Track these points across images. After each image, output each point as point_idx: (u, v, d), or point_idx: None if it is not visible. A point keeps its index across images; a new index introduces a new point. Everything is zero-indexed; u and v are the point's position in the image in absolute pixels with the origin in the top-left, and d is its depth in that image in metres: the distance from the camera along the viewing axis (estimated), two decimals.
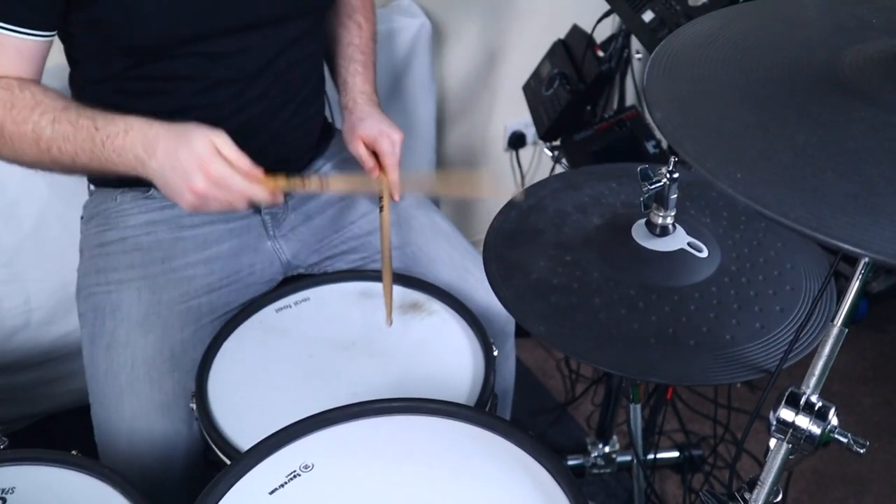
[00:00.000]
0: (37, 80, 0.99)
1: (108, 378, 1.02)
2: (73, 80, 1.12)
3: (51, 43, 0.99)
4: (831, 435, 0.68)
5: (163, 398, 1.01)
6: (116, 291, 1.08)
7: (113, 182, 1.17)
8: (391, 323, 1.07)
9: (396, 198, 1.12)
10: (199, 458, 1.05)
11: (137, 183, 1.14)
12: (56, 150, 0.93)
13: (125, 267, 1.10)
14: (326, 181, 1.06)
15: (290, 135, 1.17)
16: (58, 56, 1.05)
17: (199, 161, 0.88)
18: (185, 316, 1.08)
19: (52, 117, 0.93)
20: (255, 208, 1.18)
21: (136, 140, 0.91)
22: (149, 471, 0.99)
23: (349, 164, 1.27)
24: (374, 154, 1.13)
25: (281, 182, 0.95)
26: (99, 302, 1.08)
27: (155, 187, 1.14)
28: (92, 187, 1.22)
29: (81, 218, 1.21)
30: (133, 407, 1.00)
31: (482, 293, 1.17)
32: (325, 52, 1.26)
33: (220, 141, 0.90)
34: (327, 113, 1.32)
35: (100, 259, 1.12)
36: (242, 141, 1.09)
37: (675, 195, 0.85)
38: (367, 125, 1.13)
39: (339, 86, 1.22)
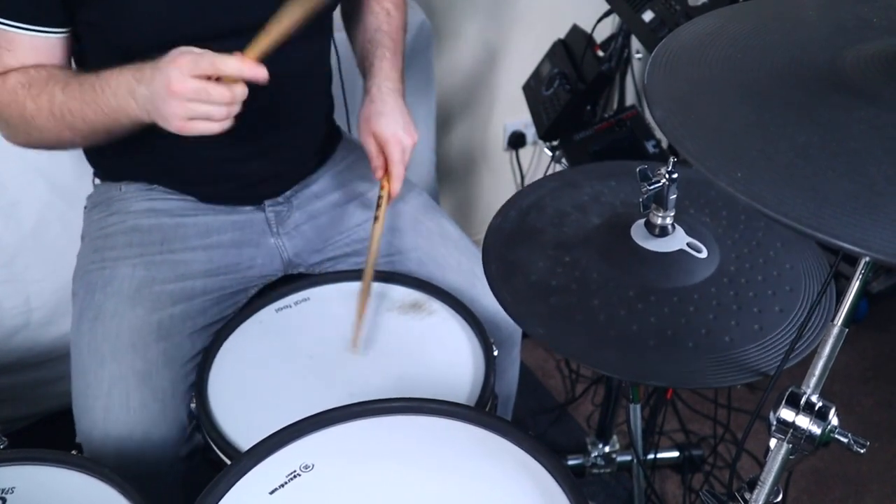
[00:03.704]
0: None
1: (91, 347, 1.02)
2: None
3: (66, 39, 0.99)
4: (831, 435, 0.68)
5: (145, 366, 1.00)
6: (111, 268, 1.08)
7: (118, 175, 1.17)
8: (357, 349, 1.05)
9: (391, 198, 1.12)
10: (194, 450, 1.05)
11: (142, 177, 1.15)
12: (68, 112, 0.94)
13: (122, 245, 1.10)
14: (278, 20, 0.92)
15: (294, 141, 1.16)
16: None
17: (173, 60, 0.87)
18: (177, 294, 1.08)
19: (63, 83, 0.95)
20: (257, 205, 1.18)
21: (128, 74, 0.91)
22: (126, 449, 0.98)
23: (355, 169, 1.27)
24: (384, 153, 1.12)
25: (250, 51, 0.91)
26: (92, 278, 1.08)
27: (159, 182, 1.15)
28: (97, 181, 1.22)
29: (85, 208, 1.21)
30: (112, 374, 1.00)
31: (490, 299, 1.15)
32: (352, 39, 1.25)
33: (199, 49, 0.89)
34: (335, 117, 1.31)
35: (99, 240, 1.12)
36: (244, 146, 1.09)
37: (675, 196, 0.85)
38: (383, 123, 1.11)
39: (366, 69, 1.20)
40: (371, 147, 1.12)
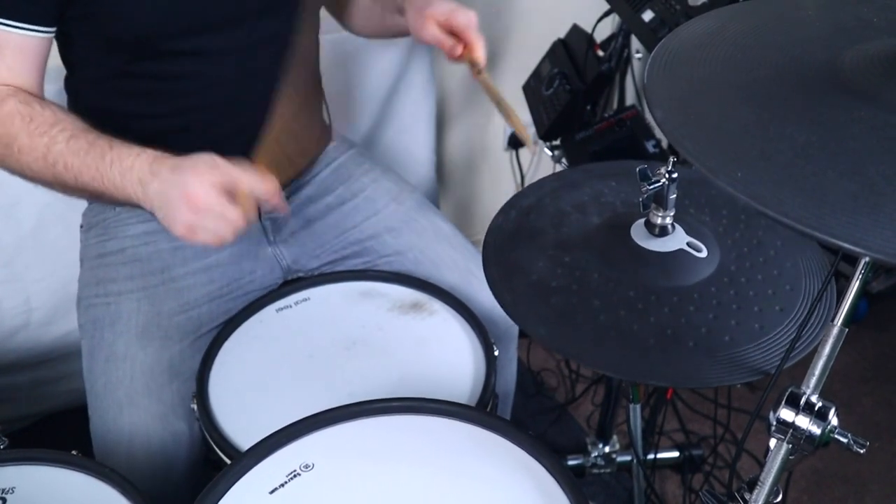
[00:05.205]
0: (41, 92, 0.99)
1: (106, 391, 1.02)
2: (70, 84, 1.11)
3: (50, 42, 0.98)
4: (831, 435, 0.68)
5: (161, 409, 1.01)
6: (115, 303, 1.07)
7: None
8: (534, 148, 1.03)
9: (482, 65, 1.09)
10: (200, 459, 1.05)
11: None
12: (62, 165, 0.92)
13: (124, 278, 1.09)
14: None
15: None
16: (56, 57, 1.05)
17: (194, 167, 0.87)
18: (184, 326, 1.08)
19: (69, 134, 0.93)
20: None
21: (145, 162, 0.90)
22: (148, 479, 0.99)
23: (348, 169, 1.27)
24: (453, 35, 1.10)
25: (261, 158, 0.93)
26: (98, 314, 1.07)
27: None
28: None
29: (81, 227, 1.20)
30: (132, 419, 1.00)
31: (486, 295, 1.16)
32: None
33: (222, 160, 0.89)
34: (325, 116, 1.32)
35: (99, 270, 1.12)
36: (238, 143, 1.09)
37: (675, 195, 0.85)
38: (436, 4, 1.10)
39: None
40: (434, 31, 1.10)
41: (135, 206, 1.12)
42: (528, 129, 1.98)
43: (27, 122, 0.93)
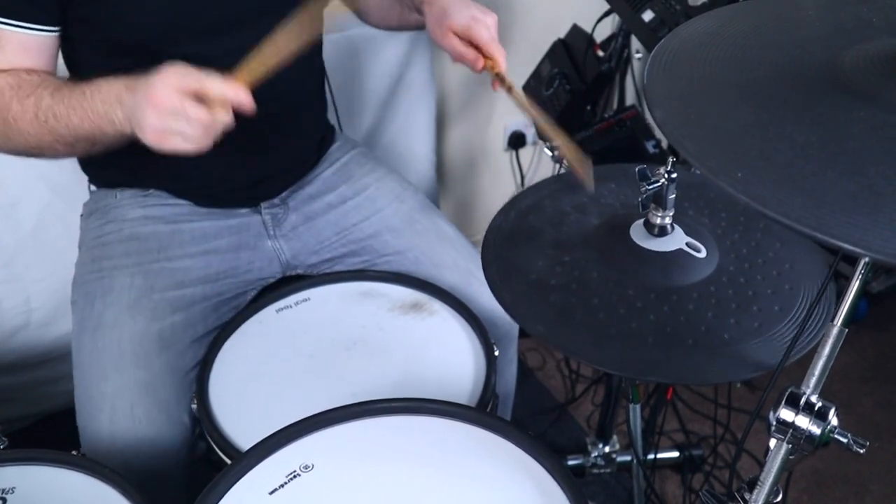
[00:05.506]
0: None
1: (92, 359, 1.02)
2: None
3: (56, 39, 0.98)
4: (831, 435, 0.68)
5: (148, 377, 1.00)
6: (109, 277, 1.07)
7: (113, 182, 1.17)
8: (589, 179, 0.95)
9: (510, 81, 1.05)
10: (198, 456, 1.05)
11: (137, 183, 1.15)
12: (52, 117, 0.92)
13: (120, 254, 1.10)
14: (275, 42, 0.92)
15: (290, 140, 1.16)
16: (59, 57, 1.05)
17: (160, 73, 0.86)
18: (176, 302, 1.08)
19: (54, 88, 0.93)
20: (254, 207, 1.18)
21: (121, 82, 0.90)
22: (132, 456, 0.98)
23: (350, 168, 1.27)
24: (472, 45, 1.05)
25: (240, 76, 0.89)
26: (91, 288, 1.08)
27: (155, 187, 1.15)
28: (93, 187, 1.22)
29: (81, 216, 1.21)
30: (116, 385, 0.99)
31: (487, 297, 1.16)
32: None
33: (194, 69, 0.87)
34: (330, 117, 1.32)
35: (96, 249, 1.12)
36: (239, 147, 1.09)
37: (674, 195, 0.85)
38: (455, 14, 1.05)
39: None
40: (455, 44, 1.05)
41: (135, 193, 1.13)
42: (528, 130, 1.99)
43: (16, 90, 0.93)
